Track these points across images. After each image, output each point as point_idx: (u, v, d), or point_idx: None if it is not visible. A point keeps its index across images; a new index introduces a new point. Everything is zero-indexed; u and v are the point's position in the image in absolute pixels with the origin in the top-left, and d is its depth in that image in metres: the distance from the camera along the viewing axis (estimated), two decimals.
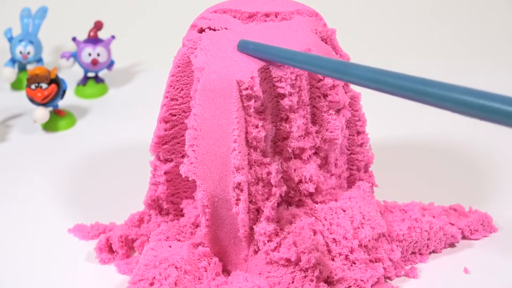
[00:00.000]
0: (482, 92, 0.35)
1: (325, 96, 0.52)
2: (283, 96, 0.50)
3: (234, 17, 0.56)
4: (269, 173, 0.51)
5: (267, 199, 0.51)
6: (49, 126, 0.81)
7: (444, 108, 0.37)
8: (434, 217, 0.58)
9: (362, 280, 0.52)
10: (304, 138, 0.53)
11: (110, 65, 0.90)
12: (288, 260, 0.51)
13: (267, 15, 0.56)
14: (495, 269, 0.55)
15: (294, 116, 0.51)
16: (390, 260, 0.54)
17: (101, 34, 0.90)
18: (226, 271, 0.55)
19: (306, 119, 0.52)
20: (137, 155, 0.70)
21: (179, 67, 0.55)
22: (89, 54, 0.87)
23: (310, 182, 0.53)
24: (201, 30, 0.55)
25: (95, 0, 1.15)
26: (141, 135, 0.66)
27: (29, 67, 0.91)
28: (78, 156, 0.75)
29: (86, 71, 0.90)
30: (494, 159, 0.71)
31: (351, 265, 0.52)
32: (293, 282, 0.51)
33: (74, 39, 0.88)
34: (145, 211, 0.61)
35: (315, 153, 0.54)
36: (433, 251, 0.57)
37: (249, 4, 0.56)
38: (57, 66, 0.94)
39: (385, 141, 0.74)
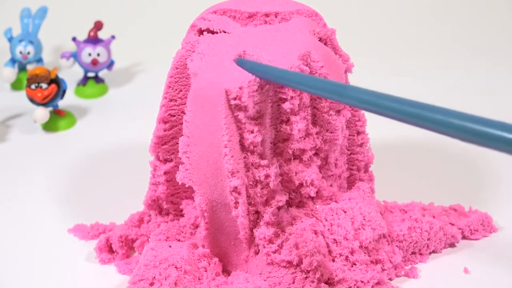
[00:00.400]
0: (483, 119, 0.35)
1: None
2: (284, 100, 0.50)
3: (234, 17, 0.56)
4: (267, 176, 0.50)
5: (267, 201, 0.51)
6: (49, 126, 0.81)
7: (443, 134, 0.36)
8: (434, 217, 0.58)
9: (362, 282, 0.52)
10: (304, 139, 0.52)
11: (110, 65, 0.90)
12: (289, 262, 0.51)
13: (267, 15, 0.56)
14: (495, 269, 0.55)
15: (295, 118, 0.51)
16: (391, 262, 0.54)
17: (101, 34, 0.90)
18: (226, 271, 0.54)
19: (307, 121, 0.52)
20: (137, 155, 0.70)
21: (177, 68, 0.55)
22: (89, 54, 0.87)
23: (312, 186, 0.53)
24: (201, 31, 0.55)
25: (95, 0, 1.15)
26: (141, 135, 0.66)
27: (29, 67, 0.91)
28: (78, 156, 0.75)
29: (86, 71, 0.90)
30: (494, 159, 0.71)
31: (352, 266, 0.52)
32: (293, 283, 0.51)
33: (74, 39, 0.88)
34: (145, 211, 0.61)
35: (315, 154, 0.54)
36: (433, 251, 0.57)
37: (249, 4, 0.56)
38: (57, 66, 0.94)
39: (385, 141, 0.74)
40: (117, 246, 0.57)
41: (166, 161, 0.58)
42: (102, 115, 0.85)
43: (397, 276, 0.55)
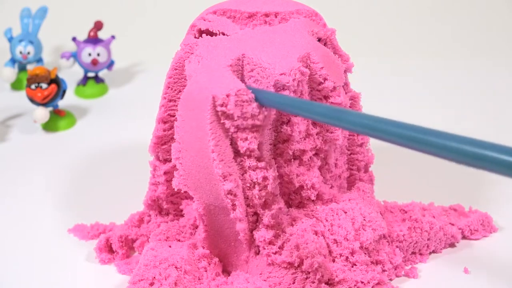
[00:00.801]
0: (481, 142, 0.35)
1: (326, 98, 0.52)
2: None
3: (234, 17, 0.56)
4: (265, 178, 0.50)
5: (265, 204, 0.51)
6: (49, 126, 0.81)
7: (442, 157, 0.37)
8: (434, 217, 0.58)
9: (362, 282, 0.52)
10: (304, 139, 0.52)
11: (110, 65, 0.90)
12: (290, 263, 0.51)
13: (266, 15, 0.55)
14: (495, 269, 0.55)
15: (295, 119, 0.51)
16: (391, 263, 0.54)
17: (101, 34, 0.90)
18: (226, 272, 0.54)
19: (307, 121, 0.52)
20: (137, 155, 0.70)
21: (176, 69, 0.55)
22: (89, 54, 0.87)
23: (312, 189, 0.53)
24: (200, 31, 0.55)
25: (95, 0, 1.15)
26: (141, 135, 0.66)
27: (29, 67, 0.91)
28: (78, 156, 0.75)
29: (86, 71, 0.90)
30: None
31: (352, 267, 0.52)
32: (294, 283, 0.51)
33: (74, 39, 0.88)
34: (145, 211, 0.61)
35: (315, 154, 0.54)
36: (433, 251, 0.57)
37: (249, 4, 0.56)
38: (57, 66, 0.94)
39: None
40: (117, 246, 0.57)
41: (166, 161, 0.58)
42: (102, 115, 0.85)
43: (397, 276, 0.55)
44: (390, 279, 0.54)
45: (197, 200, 0.51)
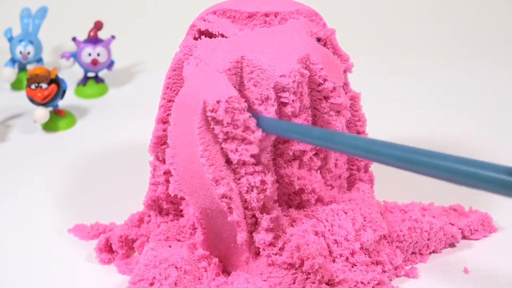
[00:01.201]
0: (473, 161, 0.36)
1: (326, 98, 0.52)
2: (285, 104, 0.50)
3: (234, 17, 0.56)
4: (263, 182, 0.49)
5: (264, 207, 0.51)
6: (49, 126, 0.81)
7: (435, 178, 0.37)
8: (434, 217, 0.58)
9: (362, 283, 0.52)
10: None
11: (110, 65, 0.90)
12: (291, 264, 0.51)
13: (266, 15, 0.55)
14: (495, 269, 0.55)
15: (296, 120, 0.51)
16: (392, 264, 0.54)
17: (101, 34, 0.90)
18: (226, 272, 0.54)
19: (308, 122, 0.52)
20: (137, 155, 0.70)
21: (174, 70, 0.55)
22: (89, 54, 0.87)
23: (313, 193, 0.53)
24: (200, 32, 0.55)
25: (95, 0, 1.15)
26: (141, 135, 0.66)
27: (29, 67, 0.91)
28: (78, 156, 0.75)
29: (86, 71, 0.90)
30: (494, 159, 0.71)
31: (352, 267, 0.52)
32: (294, 283, 0.51)
33: (74, 39, 0.88)
34: (145, 211, 0.61)
35: (315, 154, 0.54)
36: (433, 251, 0.57)
37: (248, 4, 0.56)
38: (57, 66, 0.94)
39: None
40: (117, 246, 0.57)
41: (165, 161, 0.58)
42: (102, 115, 0.85)
43: (397, 276, 0.55)
44: (390, 279, 0.54)
45: (193, 205, 0.51)
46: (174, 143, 0.50)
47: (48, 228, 0.62)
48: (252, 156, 0.48)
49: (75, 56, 0.88)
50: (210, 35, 0.54)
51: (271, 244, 0.51)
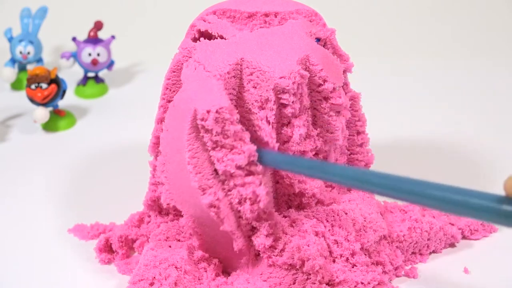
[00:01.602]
0: (464, 190, 0.36)
1: (326, 99, 0.52)
2: (285, 105, 0.50)
3: (234, 17, 0.56)
4: (255, 194, 0.48)
5: (259, 217, 0.50)
6: (49, 126, 0.81)
7: (426, 207, 0.37)
8: (434, 217, 0.58)
9: (362, 283, 0.52)
10: (305, 140, 0.52)
11: (110, 65, 0.90)
12: (291, 265, 0.51)
13: (266, 15, 0.55)
14: (495, 269, 0.55)
15: (296, 121, 0.51)
16: (392, 264, 0.54)
17: (101, 34, 0.90)
18: (226, 272, 0.54)
19: (308, 122, 0.52)
20: (137, 155, 0.70)
21: (174, 72, 0.55)
22: (89, 54, 0.87)
23: (313, 197, 0.53)
24: (200, 32, 0.55)
25: (95, 0, 1.15)
26: (141, 135, 0.66)
27: (29, 67, 0.91)
28: (78, 156, 0.75)
29: (86, 71, 0.90)
30: (494, 159, 0.71)
31: (352, 267, 0.52)
32: (294, 284, 0.51)
33: (74, 39, 0.88)
34: (145, 212, 0.61)
35: (316, 154, 0.54)
36: (433, 251, 0.57)
37: (248, 4, 0.56)
38: (57, 66, 0.94)
39: (385, 141, 0.74)
40: (117, 246, 0.57)
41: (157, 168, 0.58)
42: (102, 115, 0.85)
43: (397, 276, 0.55)
44: (390, 280, 0.54)
45: (185, 214, 0.50)
46: (165, 150, 0.49)
47: (48, 228, 0.62)
48: (238, 167, 0.48)
49: (75, 56, 0.88)
50: (209, 36, 0.54)
51: (271, 247, 0.51)
